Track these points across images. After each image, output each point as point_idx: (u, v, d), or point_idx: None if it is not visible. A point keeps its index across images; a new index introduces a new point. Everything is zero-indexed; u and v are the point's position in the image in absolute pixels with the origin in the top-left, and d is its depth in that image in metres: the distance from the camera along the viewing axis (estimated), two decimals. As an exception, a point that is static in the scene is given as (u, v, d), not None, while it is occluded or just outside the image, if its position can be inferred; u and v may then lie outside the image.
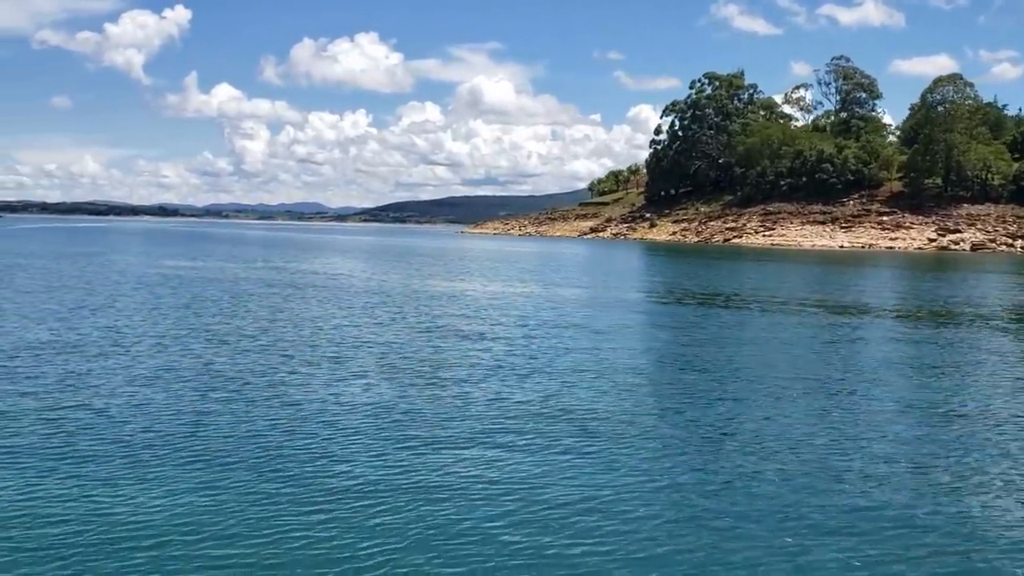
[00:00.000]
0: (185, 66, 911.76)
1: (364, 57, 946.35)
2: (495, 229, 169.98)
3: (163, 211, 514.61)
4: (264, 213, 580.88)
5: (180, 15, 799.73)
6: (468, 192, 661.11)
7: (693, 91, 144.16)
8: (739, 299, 33.17)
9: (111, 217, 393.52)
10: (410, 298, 30.56)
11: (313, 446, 10.56)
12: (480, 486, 9.18)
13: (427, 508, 8.43)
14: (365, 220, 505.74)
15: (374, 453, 10.32)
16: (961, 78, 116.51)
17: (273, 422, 11.70)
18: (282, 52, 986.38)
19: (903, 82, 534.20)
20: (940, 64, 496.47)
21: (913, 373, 17.09)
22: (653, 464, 10.18)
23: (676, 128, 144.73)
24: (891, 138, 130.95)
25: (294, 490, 8.89)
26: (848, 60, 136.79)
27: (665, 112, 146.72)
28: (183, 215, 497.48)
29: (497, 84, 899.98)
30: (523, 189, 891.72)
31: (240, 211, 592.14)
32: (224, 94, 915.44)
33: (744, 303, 31.48)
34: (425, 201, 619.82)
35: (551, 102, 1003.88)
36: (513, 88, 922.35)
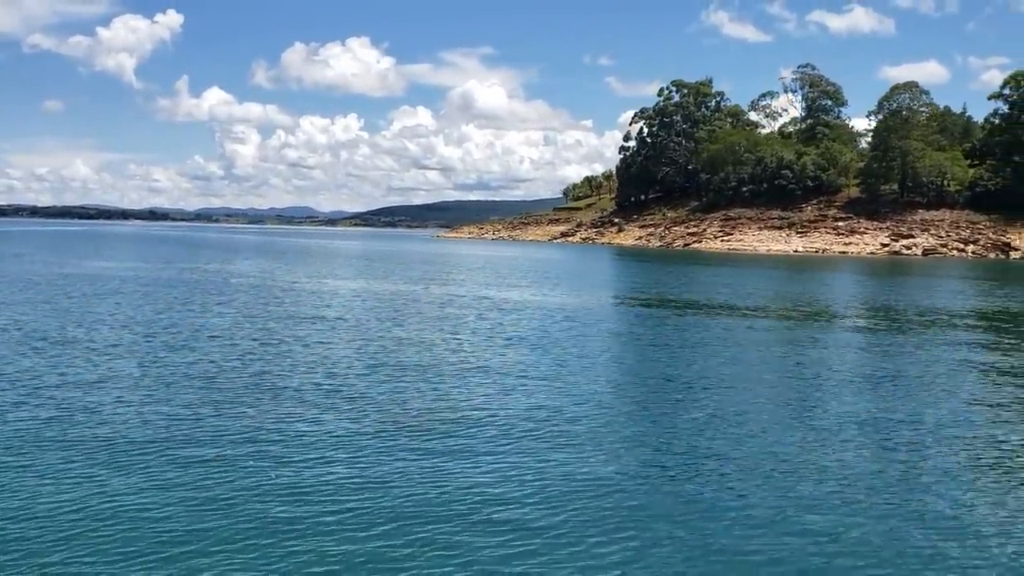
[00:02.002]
0: (176, 70, 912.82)
1: (355, 61, 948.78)
2: (470, 233, 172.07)
3: (153, 215, 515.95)
4: (255, 217, 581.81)
5: (172, 19, 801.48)
6: (460, 197, 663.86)
7: (661, 98, 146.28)
8: (672, 302, 34.97)
9: (101, 221, 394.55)
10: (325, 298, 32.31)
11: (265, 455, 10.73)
12: (430, 487, 9.49)
13: (385, 513, 8.67)
14: (356, 224, 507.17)
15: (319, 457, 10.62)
16: (917, 86, 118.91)
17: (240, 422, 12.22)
18: (273, 56, 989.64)
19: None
20: (929, 70, 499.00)
21: (860, 378, 17.56)
22: (603, 467, 10.43)
23: (645, 135, 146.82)
24: (863, 144, 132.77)
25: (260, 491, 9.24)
26: (814, 68, 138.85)
27: (634, 119, 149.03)
28: (173, 219, 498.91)
29: (489, 89, 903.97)
30: (515, 194, 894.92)
31: (231, 215, 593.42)
32: (215, 98, 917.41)
33: (677, 306, 33.26)
34: (417, 206, 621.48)
35: (543, 107, 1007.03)
36: (505, 93, 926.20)
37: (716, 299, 35.48)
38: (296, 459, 10.38)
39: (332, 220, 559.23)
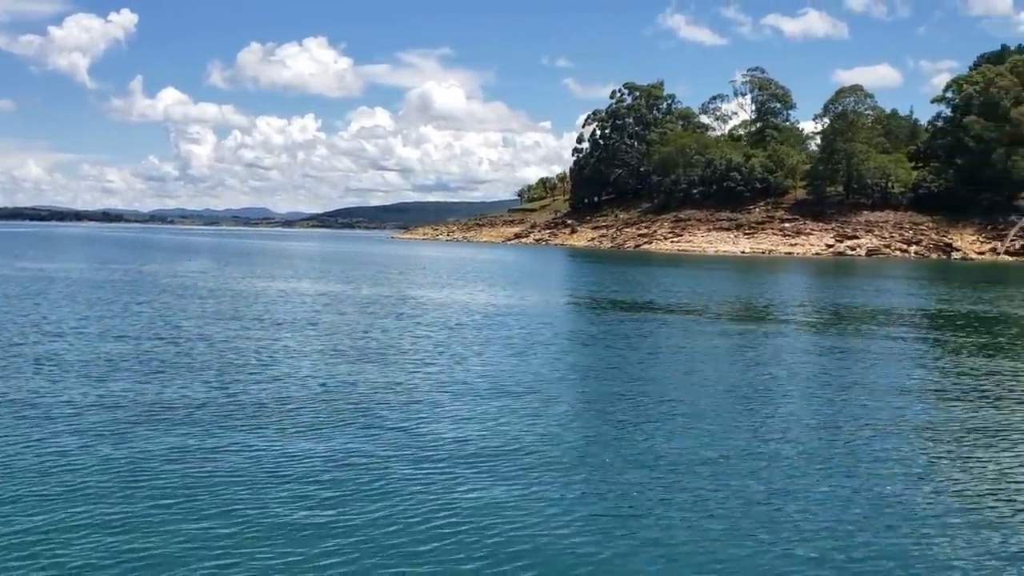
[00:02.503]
0: (131, 70, 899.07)
1: (313, 62, 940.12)
2: (425, 234, 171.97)
3: (107, 216, 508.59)
4: (211, 218, 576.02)
5: (126, 19, 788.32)
6: (419, 198, 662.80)
7: (614, 100, 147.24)
8: (615, 302, 35.41)
9: (53, 223, 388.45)
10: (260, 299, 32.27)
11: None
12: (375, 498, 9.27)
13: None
14: (313, 226, 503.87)
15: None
16: (862, 89, 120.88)
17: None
18: (229, 56, 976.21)
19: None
20: (882, 74, 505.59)
21: (807, 376, 17.92)
22: (552, 473, 10.30)
23: (597, 137, 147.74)
24: (813, 147, 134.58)
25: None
26: (763, 71, 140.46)
27: (587, 121, 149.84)
28: (128, 220, 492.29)
29: (447, 90, 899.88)
30: (474, 195, 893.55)
31: (186, 216, 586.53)
32: (170, 98, 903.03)
33: (620, 307, 33.67)
34: (375, 207, 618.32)
35: (502, 109, 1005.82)
36: (464, 94, 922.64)
37: (651, 299, 35.97)
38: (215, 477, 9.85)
39: (289, 221, 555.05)
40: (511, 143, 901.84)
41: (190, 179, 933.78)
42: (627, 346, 21.52)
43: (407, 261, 70.27)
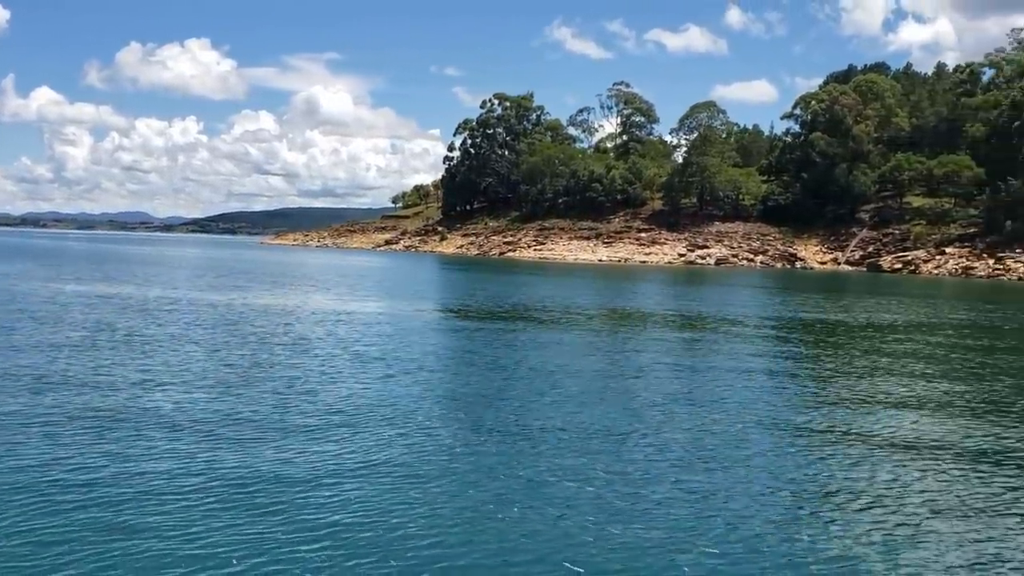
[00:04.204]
0: (2, 68, 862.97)
1: (195, 63, 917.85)
2: (295, 240, 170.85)
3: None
4: (85, 222, 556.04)
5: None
6: (305, 204, 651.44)
7: (484, 110, 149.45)
8: (456, 309, 36.46)
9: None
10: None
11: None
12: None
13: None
14: (193, 230, 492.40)
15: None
16: (715, 105, 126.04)
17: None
18: (107, 56, 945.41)
19: (726, 107, 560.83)
20: (759, 90, 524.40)
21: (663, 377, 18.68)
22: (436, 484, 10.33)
23: (468, 146, 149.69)
24: (679, 159, 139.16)
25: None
26: (628, 85, 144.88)
27: (458, 130, 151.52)
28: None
29: (335, 95, 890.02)
30: (362, 201, 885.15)
31: (60, 220, 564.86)
32: (44, 98, 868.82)
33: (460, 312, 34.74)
34: (259, 212, 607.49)
35: (390, 115, 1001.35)
36: (351, 99, 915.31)
37: (510, 306, 37.47)
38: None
39: (168, 226, 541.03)
40: (399, 150, 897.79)
41: (65, 181, 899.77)
42: (486, 354, 21.70)
43: (263, 266, 70.18)
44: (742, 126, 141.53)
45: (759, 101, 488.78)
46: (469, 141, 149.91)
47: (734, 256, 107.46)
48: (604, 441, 12.65)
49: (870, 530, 9.24)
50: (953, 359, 23.45)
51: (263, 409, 14.02)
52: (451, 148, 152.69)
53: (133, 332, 23.17)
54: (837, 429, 14.11)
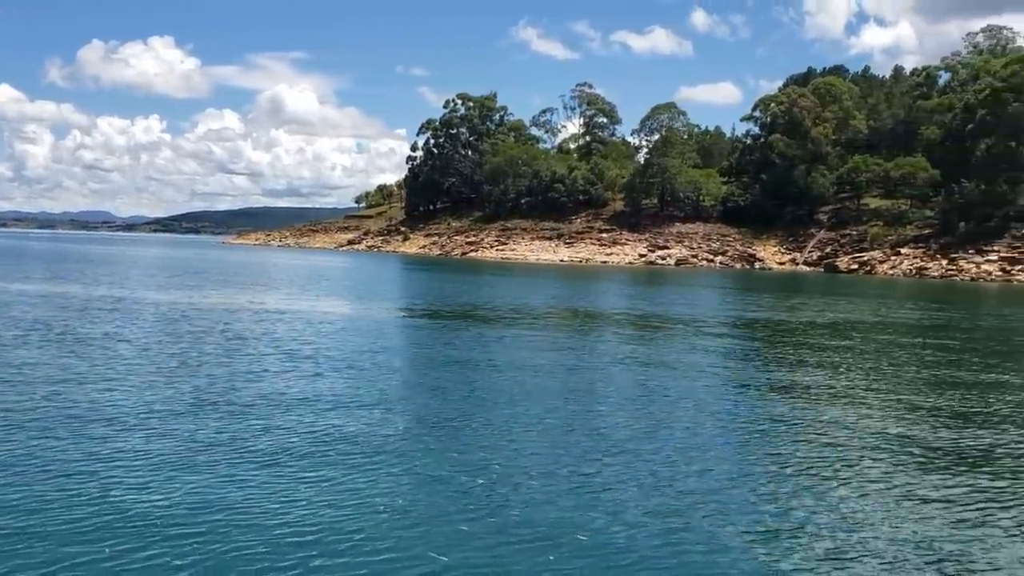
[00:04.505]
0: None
1: (158, 61, 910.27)
2: (257, 239, 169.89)
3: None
4: (46, 221, 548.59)
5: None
6: (269, 203, 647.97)
7: (448, 110, 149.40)
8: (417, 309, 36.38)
9: None
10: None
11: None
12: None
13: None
14: (156, 230, 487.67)
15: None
16: (675, 106, 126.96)
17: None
18: (69, 53, 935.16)
19: (691, 108, 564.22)
20: (724, 91, 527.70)
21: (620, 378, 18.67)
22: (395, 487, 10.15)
23: (431, 145, 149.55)
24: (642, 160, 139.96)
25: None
26: (591, 86, 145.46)
27: (421, 129, 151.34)
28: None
29: (300, 94, 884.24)
30: (327, 201, 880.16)
31: (20, 219, 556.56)
32: (4, 95, 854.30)
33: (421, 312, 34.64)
34: (223, 211, 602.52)
35: (356, 115, 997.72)
36: (316, 99, 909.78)
37: (474, 306, 37.48)
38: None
39: (131, 225, 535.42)
40: (365, 149, 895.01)
41: (25, 180, 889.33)
42: (434, 353, 21.69)
43: (218, 266, 69.63)
44: (703, 128, 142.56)
45: (724, 103, 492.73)
46: (432, 141, 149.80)
47: (694, 257, 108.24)
48: (549, 434, 12.86)
49: (823, 521, 9.49)
50: (891, 357, 23.83)
51: (180, 407, 13.97)
52: (414, 148, 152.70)
53: (67, 331, 22.96)
54: (783, 422, 14.48)
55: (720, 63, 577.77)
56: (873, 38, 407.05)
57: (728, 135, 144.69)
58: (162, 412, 13.51)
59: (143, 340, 21.80)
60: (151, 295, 36.91)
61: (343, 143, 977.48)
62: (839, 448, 12.76)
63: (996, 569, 8.35)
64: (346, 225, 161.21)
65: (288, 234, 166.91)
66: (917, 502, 10.23)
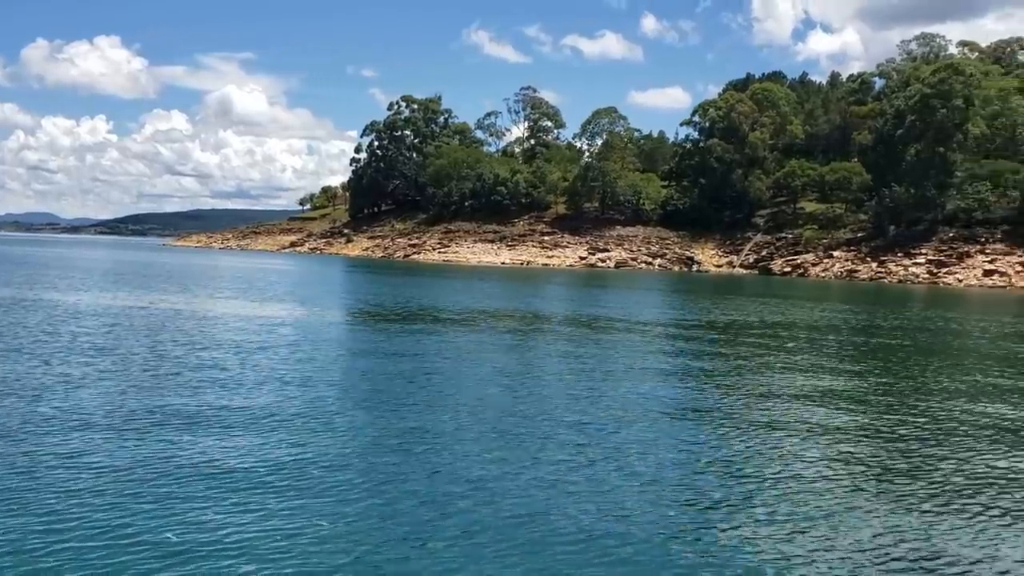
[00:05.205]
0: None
1: (104, 61, 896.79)
2: (199, 242, 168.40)
3: None
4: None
5: None
6: (217, 205, 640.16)
7: (392, 112, 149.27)
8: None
9: None
10: None
11: None
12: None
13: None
14: (102, 232, 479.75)
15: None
16: (616, 111, 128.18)
17: None
18: (12, 52, 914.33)
19: (641, 113, 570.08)
20: (673, 96, 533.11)
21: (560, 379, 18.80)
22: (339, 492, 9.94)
23: (375, 147, 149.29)
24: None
25: None
26: (535, 90, 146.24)
27: (365, 131, 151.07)
28: None
29: (249, 95, 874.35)
30: (277, 203, 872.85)
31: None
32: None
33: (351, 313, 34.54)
34: (170, 213, 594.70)
35: (306, 116, 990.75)
36: (266, 99, 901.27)
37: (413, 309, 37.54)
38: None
39: (76, 227, 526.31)
40: (316, 151, 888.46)
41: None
42: (387, 358, 21.38)
43: (145, 268, 68.86)
44: (644, 132, 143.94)
45: (673, 107, 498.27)
46: (376, 143, 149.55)
47: (633, 259, 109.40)
48: (492, 436, 12.99)
49: (766, 512, 9.86)
50: (810, 355, 24.52)
51: (47, 410, 13.99)
52: (358, 150, 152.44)
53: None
54: (713, 413, 15.35)
55: (670, 68, 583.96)
56: (820, 44, 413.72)
57: (672, 140, 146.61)
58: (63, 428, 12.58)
59: (27, 343, 21.67)
60: (49, 296, 36.53)
61: (293, 144, 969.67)
62: (772, 436, 13.65)
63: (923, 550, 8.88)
64: (289, 227, 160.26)
65: (230, 236, 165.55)
66: (839, 485, 10.85)
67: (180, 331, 25.11)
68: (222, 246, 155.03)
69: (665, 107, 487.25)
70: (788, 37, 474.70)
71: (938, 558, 8.63)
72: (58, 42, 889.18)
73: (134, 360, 18.89)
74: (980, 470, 11.97)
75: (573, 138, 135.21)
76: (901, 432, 14.36)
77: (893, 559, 8.56)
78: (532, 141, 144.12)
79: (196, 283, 50.42)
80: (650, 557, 8.38)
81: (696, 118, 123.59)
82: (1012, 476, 11.72)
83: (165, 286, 46.13)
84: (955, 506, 10.29)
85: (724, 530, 9.21)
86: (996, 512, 10.07)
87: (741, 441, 13.29)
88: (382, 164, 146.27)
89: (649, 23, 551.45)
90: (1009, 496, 10.74)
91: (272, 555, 8.03)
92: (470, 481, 10.56)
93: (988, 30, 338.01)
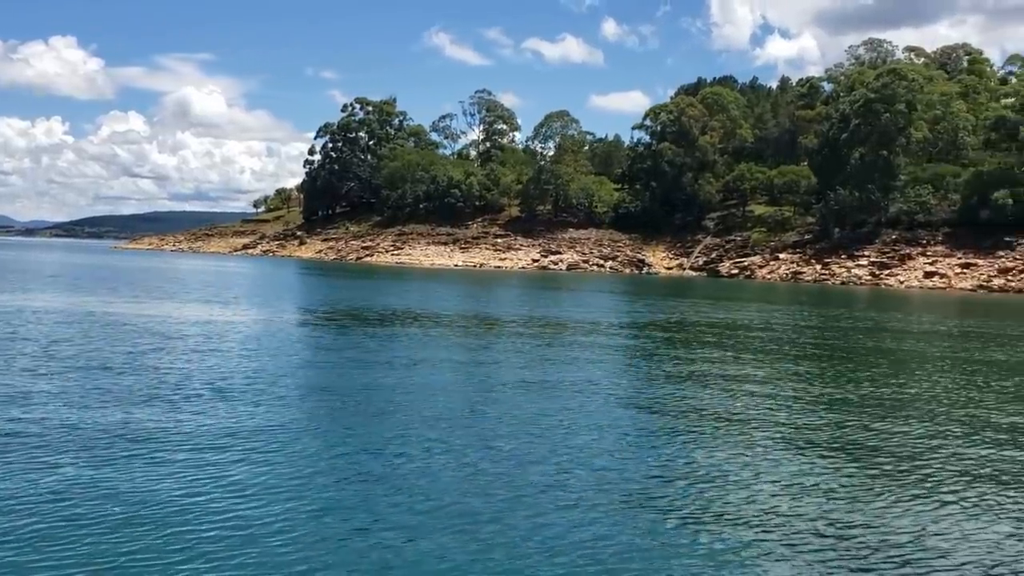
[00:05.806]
0: None
1: (60, 61, 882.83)
2: (150, 244, 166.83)
3: None
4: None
5: None
6: (175, 207, 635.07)
7: (345, 114, 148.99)
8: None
9: None
10: None
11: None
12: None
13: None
14: (57, 235, 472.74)
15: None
16: (568, 114, 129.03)
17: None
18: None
19: (601, 116, 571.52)
20: (634, 99, 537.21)
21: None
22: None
23: (329, 149, 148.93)
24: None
25: None
26: (490, 93, 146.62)
27: (319, 133, 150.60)
28: None
29: (208, 96, 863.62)
30: (236, 205, 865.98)
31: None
32: None
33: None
34: (127, 216, 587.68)
35: (266, 117, 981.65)
36: (225, 101, 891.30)
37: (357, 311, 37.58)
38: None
39: (31, 230, 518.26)
40: (275, 153, 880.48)
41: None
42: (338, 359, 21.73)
43: (87, 271, 68.25)
44: (602, 135, 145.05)
45: (634, 111, 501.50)
46: (331, 145, 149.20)
47: (585, 262, 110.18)
48: (447, 433, 13.30)
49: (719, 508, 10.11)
50: (747, 352, 25.05)
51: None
52: (312, 152, 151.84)
53: None
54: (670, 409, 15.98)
55: (630, 72, 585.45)
56: (778, 49, 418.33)
57: (627, 143, 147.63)
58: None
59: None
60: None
61: (252, 146, 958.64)
62: (727, 430, 14.27)
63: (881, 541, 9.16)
64: (242, 229, 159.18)
65: (183, 238, 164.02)
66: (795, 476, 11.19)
67: (107, 336, 25.01)
68: (174, 248, 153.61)
69: (626, 110, 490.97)
70: (746, 42, 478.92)
71: (891, 547, 8.92)
72: (12, 42, 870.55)
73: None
74: (936, 462, 12.48)
75: (527, 141, 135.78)
76: (838, 417, 15.50)
77: (841, 551, 8.83)
78: (487, 144, 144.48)
79: (131, 287, 50.06)
80: (607, 555, 8.48)
81: (648, 122, 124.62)
82: (973, 467, 12.30)
83: (96, 289, 45.80)
84: (902, 494, 10.76)
85: (672, 523, 9.45)
86: (955, 501, 10.59)
87: (688, 434, 13.83)
88: (336, 166, 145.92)
89: (610, 27, 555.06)
90: (978, 487, 11.21)
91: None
92: (422, 479, 10.71)
93: (941, 35, 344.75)
